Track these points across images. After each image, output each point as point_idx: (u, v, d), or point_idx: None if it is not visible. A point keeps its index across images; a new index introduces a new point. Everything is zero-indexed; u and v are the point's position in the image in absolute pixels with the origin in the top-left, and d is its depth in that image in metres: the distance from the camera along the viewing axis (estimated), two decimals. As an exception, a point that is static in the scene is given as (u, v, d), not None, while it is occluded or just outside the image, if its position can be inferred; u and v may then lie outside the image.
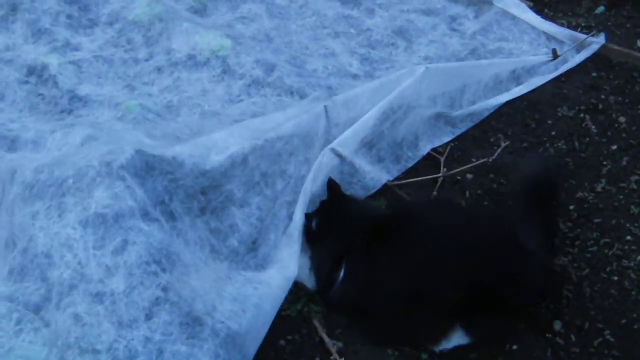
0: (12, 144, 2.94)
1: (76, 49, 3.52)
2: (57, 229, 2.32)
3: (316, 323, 2.57)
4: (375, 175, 3.02)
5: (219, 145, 2.66)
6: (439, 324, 2.40)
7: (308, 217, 2.71)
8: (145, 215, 2.38)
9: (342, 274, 2.50)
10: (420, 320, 2.40)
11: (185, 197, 2.54)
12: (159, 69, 3.46)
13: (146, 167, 2.46)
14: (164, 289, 2.25)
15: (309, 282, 2.65)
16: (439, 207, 2.72)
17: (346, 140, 2.95)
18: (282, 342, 2.49)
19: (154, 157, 2.48)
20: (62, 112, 3.17)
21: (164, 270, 2.28)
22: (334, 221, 2.64)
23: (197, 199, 2.57)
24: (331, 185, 2.74)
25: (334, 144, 2.91)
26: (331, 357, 2.44)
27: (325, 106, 2.96)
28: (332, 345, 2.48)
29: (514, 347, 2.47)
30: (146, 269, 2.26)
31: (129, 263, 2.25)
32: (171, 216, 2.48)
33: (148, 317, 2.22)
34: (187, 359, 2.18)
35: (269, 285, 2.52)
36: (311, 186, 2.80)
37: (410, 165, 3.22)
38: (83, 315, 2.19)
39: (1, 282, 2.34)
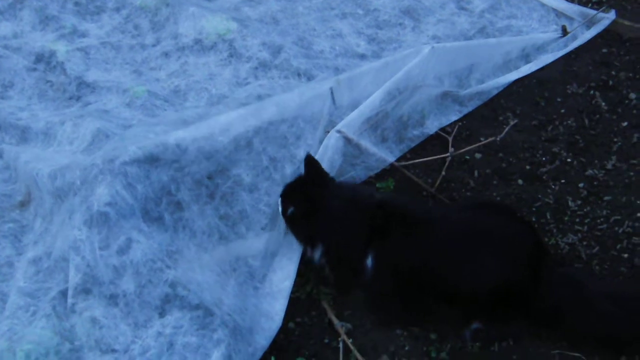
0: (23, 134, 2.97)
1: (84, 35, 3.54)
2: (68, 230, 2.37)
3: (325, 305, 2.57)
4: (380, 156, 3.01)
5: (222, 127, 2.66)
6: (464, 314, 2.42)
7: (286, 199, 2.62)
8: (146, 215, 2.41)
9: (370, 261, 2.45)
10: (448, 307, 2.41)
11: (193, 183, 2.56)
12: (166, 54, 3.46)
13: (151, 159, 2.47)
14: (172, 285, 2.29)
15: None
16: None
17: (352, 121, 2.94)
18: (291, 324, 2.50)
19: (157, 147, 2.49)
20: (70, 98, 3.19)
21: (168, 267, 2.32)
22: (337, 206, 2.54)
23: (204, 185, 2.59)
24: (311, 163, 2.61)
25: (340, 126, 2.90)
26: (340, 339, 2.45)
27: (331, 88, 2.95)
28: (340, 326, 2.49)
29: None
30: (152, 266, 2.30)
31: (134, 262, 2.30)
32: (178, 206, 2.50)
33: (161, 315, 2.28)
34: (197, 350, 2.23)
35: (270, 285, 2.57)
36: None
37: (414, 144, 3.21)
38: (100, 319, 2.26)
39: (26, 279, 2.41)
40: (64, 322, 2.26)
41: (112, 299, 2.27)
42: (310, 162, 2.59)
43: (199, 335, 2.25)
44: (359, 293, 2.58)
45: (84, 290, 2.27)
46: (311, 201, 2.53)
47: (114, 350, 2.22)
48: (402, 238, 2.42)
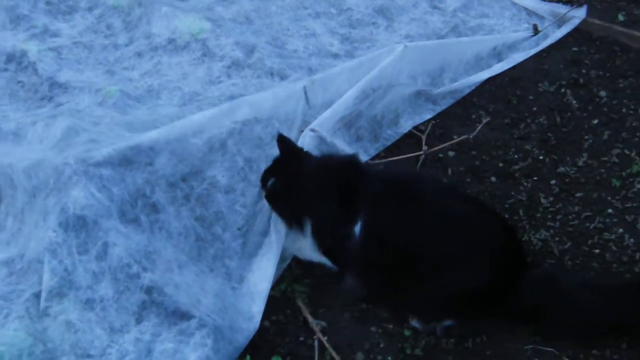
0: (-7, 135, 2.94)
1: (55, 35, 3.51)
2: (42, 232, 2.35)
3: (300, 303, 2.58)
4: (354, 154, 3.02)
5: (195, 129, 2.66)
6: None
7: (266, 175, 2.59)
8: (123, 216, 2.40)
9: (359, 228, 2.40)
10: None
11: (167, 186, 2.55)
12: (139, 54, 3.44)
13: (125, 162, 2.47)
14: (148, 291, 2.29)
15: (305, 249, 2.60)
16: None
17: (325, 120, 2.95)
18: (266, 322, 2.50)
19: (131, 150, 2.49)
20: (42, 99, 3.16)
21: (145, 269, 2.32)
22: (317, 177, 2.49)
23: (179, 187, 2.58)
24: (283, 141, 2.58)
25: (313, 125, 2.91)
26: (315, 337, 2.45)
27: (304, 87, 2.96)
28: (316, 324, 2.49)
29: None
30: (128, 271, 2.30)
31: (112, 268, 2.30)
32: (154, 209, 2.49)
33: (138, 321, 2.28)
34: (174, 355, 2.23)
35: (248, 286, 2.56)
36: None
37: (389, 143, 3.23)
38: (76, 323, 2.25)
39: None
40: (37, 324, 2.24)
41: (89, 304, 2.26)
42: (282, 140, 2.57)
43: (176, 341, 2.25)
44: (336, 291, 2.60)
45: (59, 294, 2.26)
46: (290, 172, 2.52)
47: (89, 356, 2.21)
48: (391, 206, 2.41)
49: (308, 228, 2.50)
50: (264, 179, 2.60)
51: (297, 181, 2.49)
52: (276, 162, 2.60)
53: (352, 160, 2.57)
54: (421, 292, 2.37)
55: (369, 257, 2.41)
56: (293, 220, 2.54)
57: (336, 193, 2.44)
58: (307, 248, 2.58)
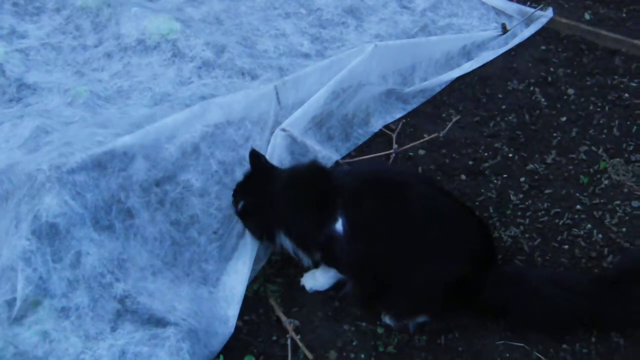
0: (-40, 136, 2.90)
1: (23, 36, 3.47)
2: (15, 240, 2.32)
3: (272, 302, 2.58)
4: (325, 153, 3.03)
5: (168, 134, 2.65)
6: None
7: (236, 196, 2.62)
8: (96, 224, 2.38)
9: (341, 226, 2.40)
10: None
11: (142, 191, 2.54)
12: (108, 55, 3.42)
13: (98, 167, 2.45)
14: (121, 300, 2.28)
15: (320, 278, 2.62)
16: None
17: (296, 120, 2.95)
18: (239, 322, 2.50)
19: (104, 155, 2.47)
20: (10, 100, 3.12)
21: (118, 280, 2.31)
22: (285, 189, 2.50)
23: (153, 192, 2.57)
24: (256, 156, 2.59)
25: (284, 124, 2.91)
26: (288, 335, 2.46)
27: (275, 86, 2.96)
28: (288, 323, 2.50)
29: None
30: (101, 281, 2.28)
31: (86, 276, 2.28)
32: (129, 214, 2.48)
33: (113, 329, 2.28)
34: (149, 359, 2.22)
35: (224, 289, 2.56)
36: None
37: (361, 142, 3.24)
38: (51, 332, 2.23)
39: None
40: (8, 330, 2.22)
41: (64, 312, 2.25)
42: (255, 155, 2.59)
43: (151, 345, 2.24)
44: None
45: (34, 303, 2.24)
46: (258, 191, 2.53)
47: None
48: (366, 203, 2.41)
49: (280, 236, 2.53)
50: (235, 195, 2.62)
51: (267, 198, 2.51)
52: (247, 178, 2.63)
53: (313, 166, 2.58)
54: (402, 286, 2.39)
55: (352, 254, 2.42)
56: (264, 235, 2.58)
57: (307, 199, 2.47)
58: (321, 275, 2.62)
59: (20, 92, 3.14)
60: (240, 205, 2.58)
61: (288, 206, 2.48)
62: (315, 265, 2.61)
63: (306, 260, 2.57)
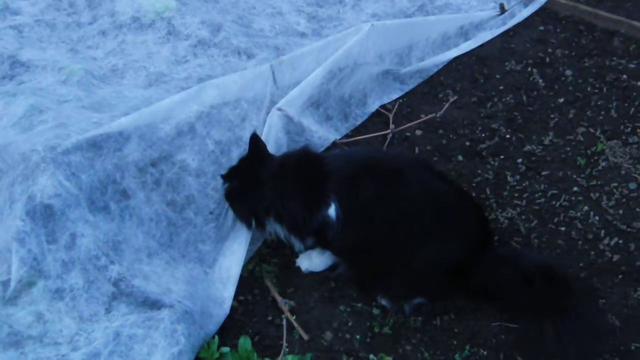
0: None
1: (16, 13, 3.43)
2: (9, 220, 2.31)
3: (268, 283, 2.57)
4: (323, 134, 3.01)
5: (163, 115, 2.63)
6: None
7: (223, 179, 2.61)
8: (92, 205, 2.37)
9: (333, 211, 2.39)
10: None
11: (137, 171, 2.52)
12: (103, 32, 3.39)
13: (94, 147, 2.43)
14: (116, 283, 2.28)
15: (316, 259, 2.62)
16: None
17: (293, 100, 2.93)
18: (234, 303, 2.49)
19: (100, 136, 2.45)
20: (3, 78, 3.09)
21: (113, 262, 2.29)
22: (277, 176, 2.49)
23: (149, 172, 2.55)
24: (255, 141, 2.58)
25: (280, 104, 2.89)
26: (283, 316, 2.45)
27: (271, 66, 2.94)
28: (284, 304, 2.49)
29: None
30: (96, 263, 2.27)
31: (81, 258, 2.27)
32: (124, 195, 2.47)
33: (108, 310, 2.27)
34: (143, 340, 2.22)
35: (220, 270, 2.55)
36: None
37: (359, 122, 3.22)
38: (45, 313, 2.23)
39: None
40: (3, 310, 2.22)
41: (58, 293, 2.24)
42: (255, 140, 2.57)
43: (146, 327, 2.24)
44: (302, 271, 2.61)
45: (29, 283, 2.23)
46: (247, 175, 2.53)
47: (57, 343, 2.20)
48: (361, 186, 2.41)
49: (270, 222, 2.51)
50: (224, 177, 2.60)
51: (256, 183, 2.49)
52: (240, 162, 2.62)
53: (305, 151, 2.57)
54: (398, 269, 2.39)
55: (345, 239, 2.42)
56: (253, 221, 2.55)
57: (298, 184, 2.46)
58: (317, 257, 2.61)
59: (14, 70, 3.11)
60: (225, 187, 2.58)
61: (279, 191, 2.47)
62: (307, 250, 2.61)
63: (298, 245, 2.56)
